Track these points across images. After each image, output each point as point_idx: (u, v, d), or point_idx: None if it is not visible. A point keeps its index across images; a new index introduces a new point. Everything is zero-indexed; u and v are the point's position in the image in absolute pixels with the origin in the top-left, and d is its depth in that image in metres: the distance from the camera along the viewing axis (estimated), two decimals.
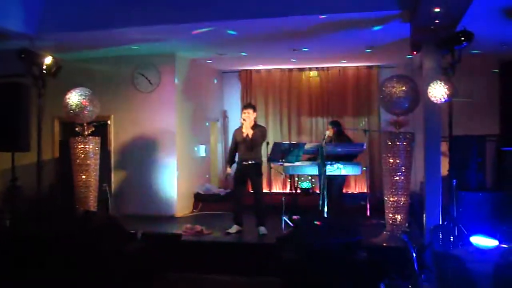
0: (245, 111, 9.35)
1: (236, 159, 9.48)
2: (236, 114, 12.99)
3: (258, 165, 9.32)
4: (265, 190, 12.50)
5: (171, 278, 7.90)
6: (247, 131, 9.19)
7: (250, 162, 9.21)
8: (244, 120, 9.27)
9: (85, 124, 9.59)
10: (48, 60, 8.74)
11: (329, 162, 9.41)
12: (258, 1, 8.35)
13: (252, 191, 9.52)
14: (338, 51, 11.17)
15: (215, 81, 13.55)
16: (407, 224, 8.51)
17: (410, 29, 8.28)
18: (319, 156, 9.26)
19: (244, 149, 9.28)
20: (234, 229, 9.30)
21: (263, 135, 9.44)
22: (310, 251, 7.30)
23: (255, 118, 9.41)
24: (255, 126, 9.32)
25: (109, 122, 11.38)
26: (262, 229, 9.18)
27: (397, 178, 8.45)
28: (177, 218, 10.98)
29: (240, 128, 9.43)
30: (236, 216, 9.41)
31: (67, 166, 10.26)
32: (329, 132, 10.12)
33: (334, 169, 9.59)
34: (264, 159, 9.59)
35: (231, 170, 9.67)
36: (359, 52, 11.12)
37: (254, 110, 9.45)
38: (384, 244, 8.19)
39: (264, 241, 8.71)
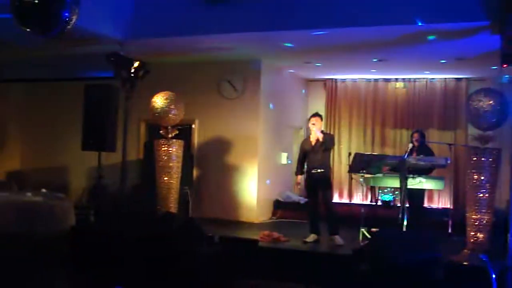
0: (312, 118, 9.34)
1: (305, 168, 9.46)
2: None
3: (327, 173, 9.34)
4: (345, 201, 12.47)
5: (247, 284, 7.94)
6: (318, 135, 9.17)
7: (319, 170, 9.19)
8: (313, 124, 9.24)
9: (169, 127, 9.81)
10: (136, 64, 9.04)
11: (411, 175, 9.22)
12: (351, 10, 8.31)
13: (322, 200, 9.42)
14: (425, 62, 11.00)
15: (303, 92, 13.61)
16: (489, 244, 8.24)
17: (501, 41, 8.03)
18: (401, 169, 9.10)
19: (313, 157, 9.27)
20: (311, 238, 9.26)
21: (332, 140, 9.53)
22: (387, 265, 7.20)
23: (320, 126, 9.43)
24: (323, 134, 9.30)
25: (193, 126, 11.60)
26: (338, 239, 9.12)
27: (481, 195, 8.18)
28: (256, 224, 11.04)
29: (307, 138, 9.46)
30: (312, 225, 9.37)
31: (150, 167, 10.54)
32: (411, 145, 9.94)
33: (416, 182, 9.39)
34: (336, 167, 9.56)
35: (300, 180, 9.66)
36: (447, 63, 10.92)
37: (321, 118, 9.50)
38: (464, 263, 7.95)
39: (340, 252, 8.64)
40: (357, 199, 12.92)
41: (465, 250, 8.32)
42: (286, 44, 9.54)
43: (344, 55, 10.66)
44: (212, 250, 7.64)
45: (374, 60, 10.88)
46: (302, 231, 9.68)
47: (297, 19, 8.56)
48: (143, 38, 9.47)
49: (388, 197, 11.73)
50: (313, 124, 9.26)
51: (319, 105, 13.72)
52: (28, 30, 5.40)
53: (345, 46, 9.77)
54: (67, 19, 5.34)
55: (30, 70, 11.88)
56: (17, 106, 13.01)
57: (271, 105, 11.84)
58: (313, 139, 9.23)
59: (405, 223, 8.87)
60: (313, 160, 9.27)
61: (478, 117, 8.14)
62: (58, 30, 5.39)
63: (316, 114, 9.54)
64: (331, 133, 11.91)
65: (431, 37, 8.84)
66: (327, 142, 9.21)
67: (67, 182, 12.66)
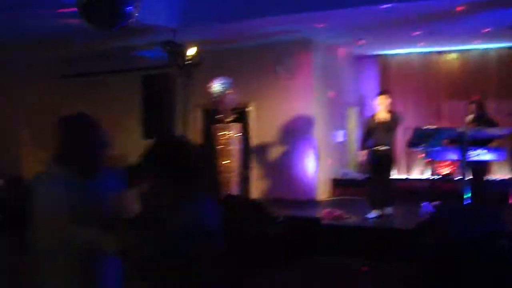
0: (381, 96, 9.53)
1: (370, 145, 9.59)
2: (374, 99, 12.95)
3: (390, 151, 9.46)
4: (404, 176, 12.43)
5: (312, 262, 8.07)
6: (384, 115, 9.32)
7: (383, 148, 9.34)
8: (380, 103, 9.44)
9: (226, 112, 9.95)
10: (192, 51, 9.18)
11: (471, 147, 9.15)
12: None
13: (381, 176, 9.56)
14: (479, 32, 10.87)
15: (346, 62, 13.56)
16: None
17: None
18: (461, 141, 9.04)
19: (378, 134, 9.42)
20: (373, 214, 9.38)
21: (397, 120, 9.58)
22: (451, 239, 7.23)
23: (389, 103, 9.54)
24: (389, 112, 9.46)
25: (248, 109, 11.71)
26: (389, 210, 9.33)
27: None
28: (317, 203, 11.15)
29: (373, 116, 9.61)
30: (374, 201, 9.48)
31: (208, 151, 10.72)
32: (471, 116, 9.84)
33: (477, 154, 9.31)
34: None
35: (364, 155, 9.73)
36: (500, 32, 10.81)
37: (388, 96, 9.59)
38: None
39: (403, 227, 8.68)
40: (416, 173, 12.89)
41: None
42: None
43: (399, 30, 10.61)
44: (278, 230, 7.78)
45: (432, 32, 10.79)
46: (362, 208, 9.75)
47: None
48: (195, 25, 9.58)
49: (445, 171, 11.65)
50: (380, 103, 9.45)
51: (372, 82, 13.69)
52: (93, 26, 5.60)
53: (399, 20, 9.75)
54: (129, 13, 5.51)
55: (87, 64, 12.16)
56: (74, 99, 13.30)
57: (324, 85, 11.87)
58: (378, 118, 9.36)
59: (466, 196, 8.88)
60: (378, 138, 9.41)
61: None
62: (121, 25, 5.57)
63: (384, 92, 9.77)
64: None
65: None
66: (392, 122, 9.37)
67: None
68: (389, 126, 9.40)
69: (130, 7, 5.45)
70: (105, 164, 3.21)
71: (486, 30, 10.62)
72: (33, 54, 11.63)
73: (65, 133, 3.13)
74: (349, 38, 11.44)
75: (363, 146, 9.72)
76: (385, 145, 9.35)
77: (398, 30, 10.61)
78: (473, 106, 9.90)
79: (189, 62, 9.29)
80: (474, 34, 11.16)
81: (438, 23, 9.90)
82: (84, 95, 13.15)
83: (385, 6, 8.71)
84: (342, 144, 12.73)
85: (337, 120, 12.51)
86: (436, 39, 11.69)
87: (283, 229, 8.05)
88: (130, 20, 5.62)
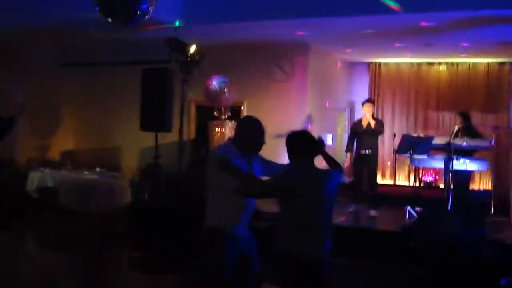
0: (367, 104, 10.10)
1: (355, 149, 10.20)
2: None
3: (375, 154, 10.04)
4: (389, 182, 12.77)
5: None
6: (370, 121, 9.88)
7: (367, 151, 9.90)
8: (367, 110, 9.97)
9: (222, 109, 10.27)
10: (192, 48, 9.45)
11: (455, 157, 9.51)
12: None
13: (367, 178, 10.10)
14: (471, 47, 11.21)
15: (339, 67, 13.87)
16: None
17: None
18: (447, 150, 9.41)
19: (363, 139, 10.00)
20: (352, 208, 10.00)
21: (383, 127, 10.18)
22: (436, 242, 7.58)
23: (374, 111, 10.31)
24: (374, 119, 10.07)
25: (242, 108, 11.97)
26: (373, 212, 9.84)
27: None
28: None
29: (359, 121, 10.18)
30: (355, 198, 10.10)
31: (203, 147, 11.02)
32: (457, 126, 10.19)
33: (461, 164, 9.68)
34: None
35: (350, 157, 10.21)
36: (491, 47, 11.15)
37: (374, 104, 10.38)
38: (508, 242, 8.27)
39: (388, 229, 9.00)
40: (400, 180, 13.25)
41: (509, 230, 8.66)
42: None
43: (391, 40, 10.94)
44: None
45: (420, 44, 11.13)
46: (346, 209, 10.05)
47: (353, 5, 8.82)
48: (197, 23, 9.76)
49: (429, 178, 12.02)
50: (367, 109, 9.97)
51: (362, 88, 14.04)
52: (111, 21, 5.86)
53: (393, 32, 10.05)
54: (146, 10, 5.79)
55: (88, 54, 12.35)
56: (72, 88, 13.49)
57: (318, 89, 12.17)
58: (364, 123, 9.89)
59: (450, 203, 9.25)
60: (363, 142, 9.96)
61: None
62: (137, 21, 5.84)
63: (369, 100, 10.35)
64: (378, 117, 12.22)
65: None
66: (377, 128, 9.90)
67: (119, 162, 13.18)
68: (374, 132, 9.95)
69: (146, 4, 5.74)
70: (258, 151, 4.80)
71: (478, 44, 10.96)
72: (36, 42, 11.80)
73: (238, 127, 4.86)
74: (341, 45, 11.76)
75: (348, 149, 10.27)
76: (370, 149, 9.91)
77: (384, 41, 10.99)
78: (459, 118, 10.25)
79: (189, 59, 9.54)
80: (463, 49, 11.51)
81: (427, 36, 10.24)
82: (85, 84, 13.39)
83: (370, 17, 9.04)
84: (330, 148, 13.01)
85: (328, 124, 12.80)
86: (426, 51, 12.05)
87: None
88: (146, 16, 5.90)
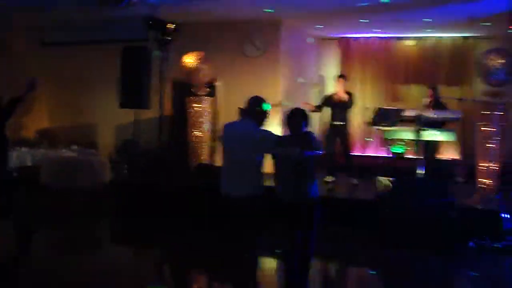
0: (340, 79, 10.77)
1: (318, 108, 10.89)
2: (334, 80, 13.55)
3: (346, 126, 10.68)
4: (360, 153, 13.17)
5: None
6: (342, 95, 10.44)
7: (340, 123, 10.55)
8: (339, 84, 10.65)
9: (199, 85, 10.51)
10: (171, 26, 9.66)
11: (425, 128, 9.90)
12: None
13: (342, 149, 10.77)
14: (437, 22, 11.61)
15: (310, 43, 14.16)
16: (500, 188, 9.04)
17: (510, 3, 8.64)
18: (418, 122, 9.80)
19: (335, 112, 10.64)
20: (329, 178, 10.63)
21: (354, 100, 10.74)
22: (408, 209, 8.00)
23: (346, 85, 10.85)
24: (347, 93, 10.65)
25: (216, 84, 12.16)
26: (354, 180, 10.59)
27: (491, 145, 9.02)
28: None
29: (332, 95, 10.79)
30: (330, 169, 10.71)
31: (179, 123, 11.25)
32: (426, 99, 10.59)
33: (430, 134, 10.07)
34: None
35: (311, 107, 10.57)
36: (458, 23, 11.56)
37: (346, 79, 10.95)
38: (476, 206, 8.74)
39: (365, 197, 9.40)
40: (371, 151, 13.64)
41: (476, 195, 9.14)
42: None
43: (359, 17, 11.31)
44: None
45: (388, 20, 11.51)
46: (321, 179, 10.41)
47: None
48: (175, 1, 9.93)
49: (399, 149, 12.41)
50: (338, 84, 10.64)
51: (333, 62, 14.34)
52: (100, 1, 6.05)
53: (360, 9, 10.32)
54: None
55: (65, 33, 12.40)
56: (47, 67, 13.52)
57: (290, 64, 12.46)
58: (336, 97, 10.39)
59: (419, 172, 9.68)
60: (336, 115, 10.55)
61: (489, 74, 8.88)
62: (127, 2, 6.06)
63: (341, 76, 10.94)
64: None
65: None
66: (349, 102, 10.50)
67: (95, 139, 13.33)
68: (346, 105, 10.53)
69: None
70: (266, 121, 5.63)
71: (445, 20, 11.38)
72: (10, 21, 11.83)
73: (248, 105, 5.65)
74: (312, 21, 12.07)
75: (318, 107, 10.86)
76: (342, 121, 10.54)
77: (353, 17, 11.34)
78: (431, 91, 10.67)
79: (167, 37, 9.75)
80: (429, 24, 11.87)
81: (394, 12, 10.62)
82: (61, 64, 13.44)
83: None
84: None
85: (300, 99, 13.08)
86: (394, 27, 12.44)
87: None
88: None
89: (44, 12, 10.62)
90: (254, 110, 5.61)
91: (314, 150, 5.46)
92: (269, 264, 6.53)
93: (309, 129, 5.67)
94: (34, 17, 11.39)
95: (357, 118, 13.15)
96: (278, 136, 5.67)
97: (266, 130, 5.63)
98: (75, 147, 12.27)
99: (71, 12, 10.43)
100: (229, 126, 5.77)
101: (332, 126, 10.68)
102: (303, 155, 5.31)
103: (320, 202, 5.65)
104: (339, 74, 11.59)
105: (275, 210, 5.50)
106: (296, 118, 5.60)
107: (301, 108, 5.90)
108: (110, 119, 12.71)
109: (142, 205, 9.65)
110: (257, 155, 5.50)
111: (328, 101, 10.72)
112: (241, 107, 5.97)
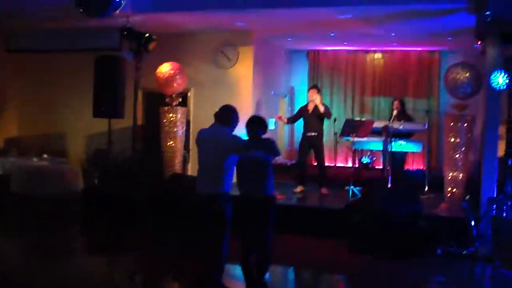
0: (314, 90, 10.70)
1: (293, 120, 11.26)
2: (303, 91, 13.81)
3: (320, 137, 10.68)
4: (330, 164, 13.39)
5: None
6: (319, 106, 10.41)
7: (313, 134, 10.56)
8: (313, 95, 10.54)
9: (173, 95, 10.63)
10: (145, 36, 9.78)
11: (393, 139, 10.17)
12: None
13: (316, 160, 10.82)
14: (404, 36, 11.96)
15: (283, 55, 14.44)
16: (467, 197, 9.34)
17: (476, 20, 8.95)
18: (385, 133, 10.08)
19: (309, 122, 10.61)
20: (299, 189, 10.67)
21: (329, 112, 10.70)
22: (377, 216, 8.19)
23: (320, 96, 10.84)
24: (322, 104, 10.60)
25: (189, 94, 12.28)
26: (324, 190, 10.58)
27: (457, 156, 9.34)
28: None
29: (306, 106, 10.75)
30: (300, 179, 10.79)
31: (151, 132, 11.35)
32: (395, 111, 10.85)
33: (398, 145, 10.35)
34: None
35: (284, 119, 11.21)
36: (423, 38, 11.92)
37: (319, 90, 10.90)
38: (443, 214, 9.02)
39: (334, 207, 9.56)
40: (340, 162, 13.87)
41: (443, 204, 9.44)
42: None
43: (327, 30, 11.60)
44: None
45: (355, 34, 11.83)
46: (291, 189, 10.70)
47: None
48: (147, 12, 9.99)
49: (367, 160, 12.67)
50: (312, 95, 10.56)
51: (302, 74, 14.62)
52: (84, 13, 6.16)
53: (333, 22, 10.58)
54: (119, 3, 6.13)
55: (38, 40, 12.35)
56: (17, 74, 13.48)
57: (261, 75, 12.66)
58: (310, 108, 10.48)
59: (388, 182, 9.94)
60: (309, 125, 10.57)
61: (456, 87, 9.21)
62: (110, 13, 6.18)
63: (315, 86, 11.03)
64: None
65: None
66: (324, 113, 10.47)
67: (65, 148, 13.32)
68: (321, 116, 10.53)
69: None
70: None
71: (411, 35, 11.73)
72: None
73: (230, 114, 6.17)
74: (281, 34, 12.32)
75: (290, 120, 11.31)
76: (316, 132, 10.56)
77: (321, 30, 11.63)
78: (396, 103, 10.95)
79: (142, 47, 9.86)
80: (394, 38, 12.26)
81: (360, 27, 10.89)
82: (31, 71, 13.41)
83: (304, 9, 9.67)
84: (273, 131, 13.53)
85: (270, 110, 13.29)
86: (361, 40, 12.76)
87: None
88: (117, 10, 6.23)
89: (12, 18, 10.57)
90: (225, 117, 6.10)
91: (274, 154, 6.18)
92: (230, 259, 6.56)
93: (267, 135, 6.29)
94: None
95: (327, 129, 13.39)
96: (244, 140, 6.09)
97: (235, 135, 6.10)
98: (45, 155, 12.25)
99: (42, 21, 10.42)
100: (203, 131, 6.25)
101: (304, 137, 10.69)
102: (264, 158, 5.99)
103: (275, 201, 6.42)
104: (313, 84, 11.75)
105: (237, 204, 6.08)
106: (253, 125, 6.14)
107: (260, 116, 6.49)
108: (83, 128, 12.75)
109: (111, 215, 9.70)
110: (227, 157, 5.93)
111: (302, 112, 10.80)
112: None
